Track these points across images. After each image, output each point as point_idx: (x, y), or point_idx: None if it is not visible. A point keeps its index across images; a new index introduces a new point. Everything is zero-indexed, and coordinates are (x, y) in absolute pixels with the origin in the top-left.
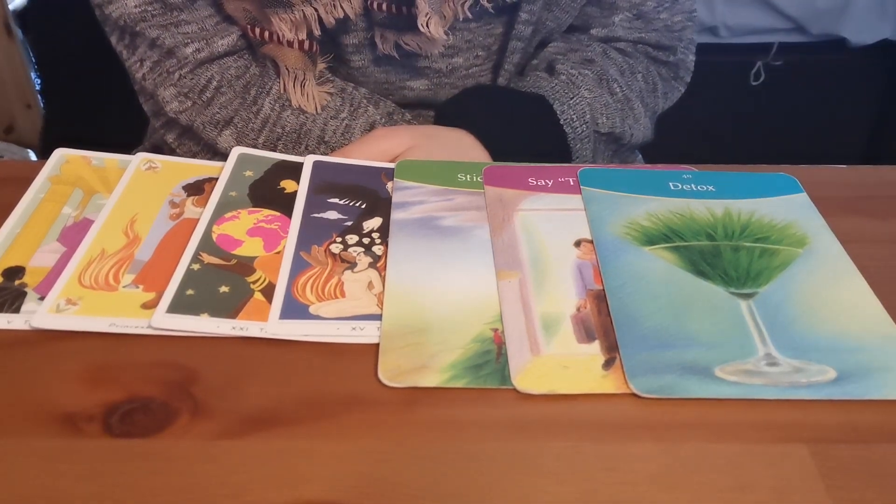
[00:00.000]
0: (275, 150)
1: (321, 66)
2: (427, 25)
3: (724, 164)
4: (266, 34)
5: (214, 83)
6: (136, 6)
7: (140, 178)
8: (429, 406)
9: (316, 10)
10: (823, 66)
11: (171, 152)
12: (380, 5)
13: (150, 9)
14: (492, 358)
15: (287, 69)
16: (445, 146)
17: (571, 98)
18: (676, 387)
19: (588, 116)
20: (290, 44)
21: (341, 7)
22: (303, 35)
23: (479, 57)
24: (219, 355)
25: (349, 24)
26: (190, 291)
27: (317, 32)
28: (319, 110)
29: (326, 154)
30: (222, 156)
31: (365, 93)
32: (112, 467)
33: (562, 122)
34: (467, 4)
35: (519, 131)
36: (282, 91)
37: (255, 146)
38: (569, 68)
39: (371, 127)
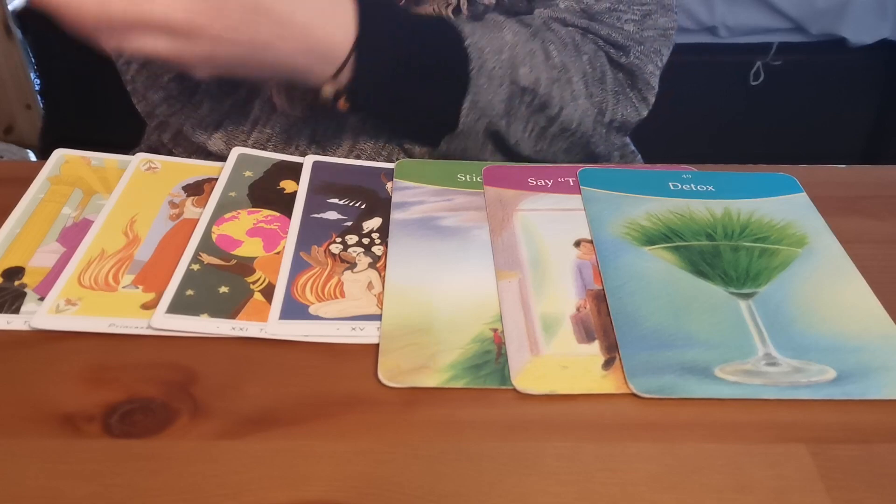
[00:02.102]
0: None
1: None
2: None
3: (724, 164)
4: None
5: (203, 86)
6: None
7: (140, 178)
8: (429, 406)
9: None
10: (823, 66)
11: (169, 152)
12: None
13: None
14: (491, 358)
15: None
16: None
17: (490, 32)
18: (676, 387)
19: (506, 56)
20: None
21: None
22: None
23: None
24: (218, 356)
25: None
26: (190, 292)
27: None
28: (306, 113)
29: (318, 154)
30: (218, 156)
31: None
32: (112, 467)
33: (467, 44)
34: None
35: (412, 42)
36: (269, 94)
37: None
38: (497, 16)
39: (362, 124)
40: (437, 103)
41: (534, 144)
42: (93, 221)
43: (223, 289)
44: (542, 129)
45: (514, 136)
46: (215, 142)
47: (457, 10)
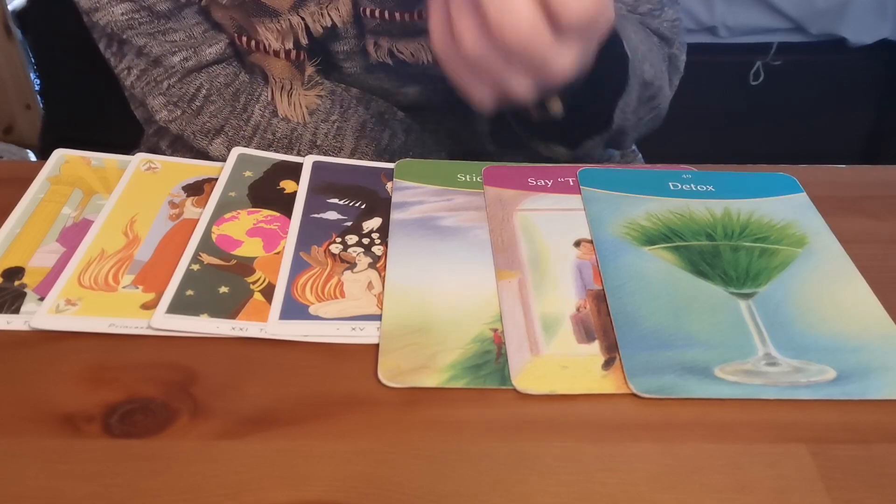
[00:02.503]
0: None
1: (310, 70)
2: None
3: (724, 164)
4: (253, 43)
5: (203, 92)
6: (122, 14)
7: (139, 178)
8: (429, 406)
9: (303, 18)
10: (823, 66)
11: None
12: (373, 12)
13: (136, 17)
14: (491, 358)
15: (274, 78)
16: None
17: (623, 30)
18: (676, 387)
19: (639, 55)
20: (276, 53)
21: (328, 15)
22: (289, 44)
23: None
24: (218, 356)
25: (338, 31)
26: (189, 292)
27: (304, 41)
28: (307, 119)
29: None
30: (216, 160)
31: (356, 93)
32: (112, 467)
33: (625, 44)
34: None
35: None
36: (270, 99)
37: None
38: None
39: (362, 127)
40: (599, 96)
41: (633, 134)
42: (93, 221)
43: (223, 289)
44: (638, 120)
45: (630, 132)
46: (216, 147)
47: None
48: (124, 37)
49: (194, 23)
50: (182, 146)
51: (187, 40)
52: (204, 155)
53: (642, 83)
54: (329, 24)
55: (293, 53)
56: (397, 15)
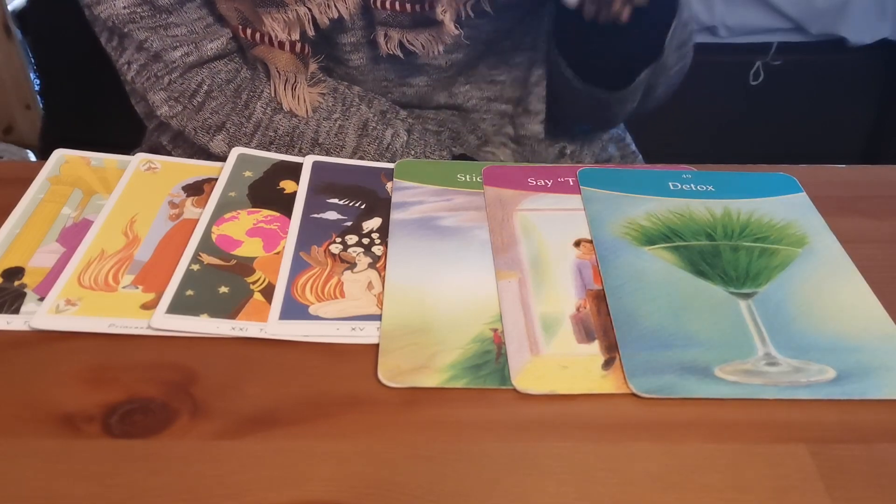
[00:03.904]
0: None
1: (313, 66)
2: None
3: (724, 164)
4: (258, 35)
5: (205, 87)
6: (124, 7)
7: (139, 178)
8: (429, 406)
9: (310, 9)
10: (822, 66)
11: (168, 154)
12: (384, 3)
13: (138, 10)
14: (491, 358)
15: (278, 72)
16: None
17: None
18: (676, 387)
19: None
20: (281, 45)
21: (335, 7)
22: (296, 35)
23: (481, 52)
24: (218, 356)
25: (345, 23)
26: (189, 292)
27: (310, 33)
28: (311, 113)
29: (320, 156)
30: (217, 157)
31: (358, 91)
32: (112, 467)
33: None
34: (469, 4)
35: None
36: (273, 94)
37: None
38: None
39: (364, 126)
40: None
41: (664, 82)
42: (93, 221)
43: (223, 289)
44: (670, 67)
45: (663, 79)
46: (217, 144)
47: None
48: (125, 31)
49: (196, 17)
50: (183, 142)
51: (188, 35)
52: (205, 151)
53: (681, 23)
54: (336, 15)
55: (298, 45)
56: (408, 6)
